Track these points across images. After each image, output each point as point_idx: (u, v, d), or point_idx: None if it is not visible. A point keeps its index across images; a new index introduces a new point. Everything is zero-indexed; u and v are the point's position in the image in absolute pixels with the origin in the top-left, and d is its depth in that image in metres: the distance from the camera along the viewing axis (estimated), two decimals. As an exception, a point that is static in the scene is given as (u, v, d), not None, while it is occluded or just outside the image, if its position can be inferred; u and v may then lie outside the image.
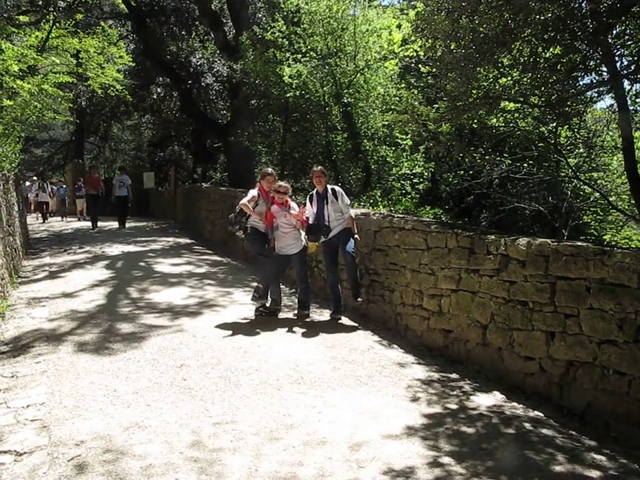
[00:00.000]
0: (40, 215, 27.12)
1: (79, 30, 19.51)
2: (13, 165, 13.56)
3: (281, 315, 9.06)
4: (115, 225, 22.25)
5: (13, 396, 5.56)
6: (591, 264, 5.31)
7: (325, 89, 13.47)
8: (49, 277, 11.73)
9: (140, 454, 4.42)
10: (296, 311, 9.20)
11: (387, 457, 4.53)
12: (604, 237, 10.06)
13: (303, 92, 13.55)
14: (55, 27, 18.23)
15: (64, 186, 28.91)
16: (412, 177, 12.34)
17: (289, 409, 5.43)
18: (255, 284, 9.34)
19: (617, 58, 6.69)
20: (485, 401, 5.85)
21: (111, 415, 5.13)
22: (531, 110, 8.30)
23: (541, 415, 5.53)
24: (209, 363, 6.64)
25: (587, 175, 9.40)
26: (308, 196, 9.19)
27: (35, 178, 29.27)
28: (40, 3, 19.73)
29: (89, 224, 22.41)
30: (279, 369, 6.49)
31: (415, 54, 10.89)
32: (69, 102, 18.99)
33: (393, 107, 13.09)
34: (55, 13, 18.61)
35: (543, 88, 7.33)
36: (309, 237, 8.85)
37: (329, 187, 8.90)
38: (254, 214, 8.65)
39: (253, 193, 8.86)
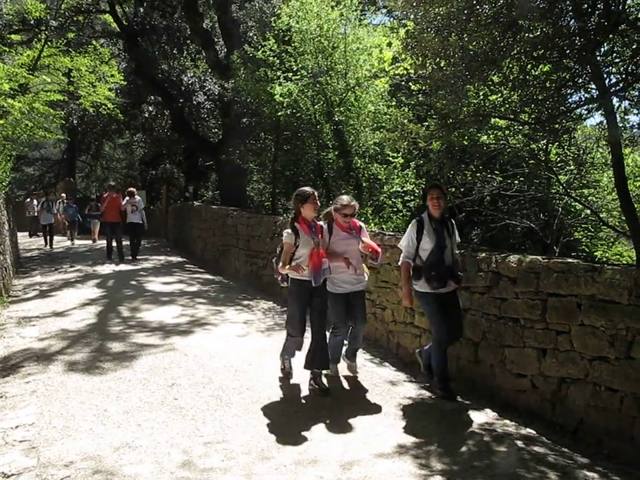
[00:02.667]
0: (46, 237, 23.13)
1: (70, 49, 19.60)
2: (4, 183, 13.54)
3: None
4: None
5: (1, 416, 5.53)
6: (581, 280, 5.32)
7: (316, 107, 13.50)
8: (39, 295, 11.70)
9: (130, 474, 4.39)
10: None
11: (379, 476, 4.50)
12: (595, 254, 10.07)
13: (294, 110, 13.57)
14: (46, 46, 18.31)
15: (73, 205, 24.77)
16: (403, 194, 12.36)
17: (280, 428, 5.40)
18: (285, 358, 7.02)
19: (605, 75, 6.73)
20: (476, 418, 5.83)
21: (101, 435, 5.10)
22: (521, 127, 8.33)
23: (533, 432, 5.52)
24: (200, 382, 6.61)
25: (577, 191, 9.43)
26: (414, 221, 6.57)
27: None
28: (32, 22, 19.78)
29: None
30: (270, 388, 6.48)
31: (405, 72, 10.93)
32: (60, 120, 18.98)
33: (383, 124, 13.12)
34: (46, 32, 18.68)
35: (532, 105, 7.37)
36: (430, 283, 6.29)
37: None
38: (288, 270, 6.54)
39: (287, 234, 6.48)
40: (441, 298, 6.33)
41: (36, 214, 24.63)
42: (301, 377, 6.79)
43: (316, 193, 6.58)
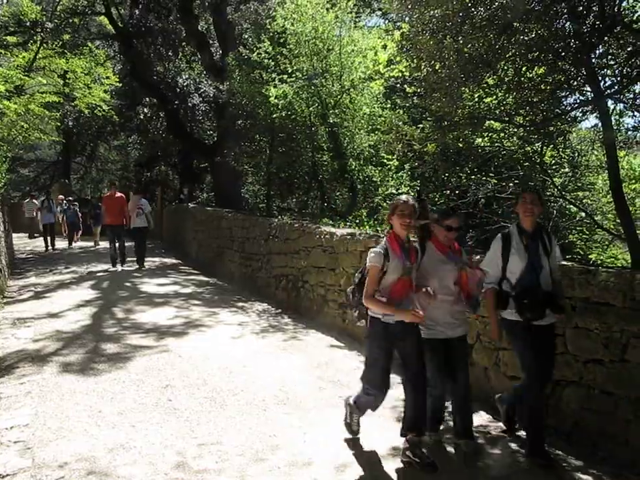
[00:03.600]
0: (46, 239, 21.30)
1: (66, 50, 19.56)
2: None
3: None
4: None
5: (-5, 417, 5.52)
6: (576, 283, 5.33)
7: (311, 109, 13.50)
8: (34, 297, 11.69)
9: (124, 475, 4.39)
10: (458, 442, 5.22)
11: (373, 477, 4.50)
12: (590, 256, 10.08)
13: (289, 112, 13.57)
14: (42, 48, 18.31)
15: (74, 205, 23.34)
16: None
17: (274, 429, 5.41)
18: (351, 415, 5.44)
19: (600, 77, 6.74)
20: (471, 420, 5.83)
21: (96, 436, 5.10)
22: (516, 130, 8.35)
23: (528, 434, 5.52)
24: (194, 383, 6.60)
25: (572, 194, 9.44)
26: (499, 237, 5.25)
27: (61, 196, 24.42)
28: (27, 23, 19.76)
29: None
30: (264, 390, 6.47)
31: (400, 74, 10.95)
32: (55, 122, 18.96)
33: (378, 127, 13.13)
34: (42, 34, 18.66)
35: (527, 107, 7.39)
36: (523, 314, 4.95)
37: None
38: (379, 308, 4.76)
39: (374, 255, 4.80)
40: (534, 330, 4.97)
41: (34, 214, 24.20)
42: (295, 380, 6.80)
43: (410, 202, 4.87)
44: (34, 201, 24.96)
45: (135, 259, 16.69)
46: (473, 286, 5.17)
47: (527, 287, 5.01)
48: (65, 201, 23.62)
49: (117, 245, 16.05)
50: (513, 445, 5.26)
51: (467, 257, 5.44)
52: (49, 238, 21.32)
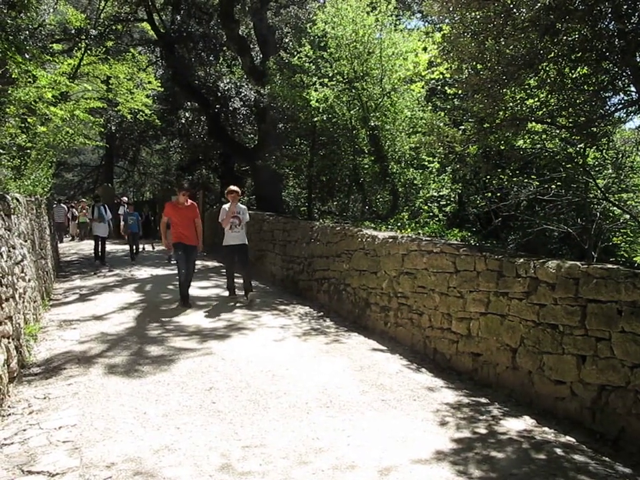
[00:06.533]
0: (97, 251, 18.21)
1: (109, 57, 19.90)
2: (45, 189, 13.76)
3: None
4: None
5: (45, 417, 5.61)
6: (622, 287, 5.26)
7: (351, 112, 13.50)
8: (79, 299, 11.87)
9: (170, 477, 4.43)
10: None
11: (417, 481, 4.50)
12: (635, 259, 9.92)
13: (329, 116, 13.59)
14: (86, 55, 18.65)
15: (135, 213, 20.15)
16: (439, 199, 12.30)
17: (317, 432, 5.41)
18: None
19: (645, 78, 6.65)
20: (515, 425, 5.78)
21: (141, 438, 5.15)
22: (558, 131, 8.26)
23: (573, 440, 5.44)
24: (237, 386, 6.64)
25: (616, 196, 9.30)
26: None
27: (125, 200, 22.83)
28: (72, 31, 20.16)
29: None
30: (307, 393, 6.48)
31: (441, 76, 10.94)
32: (99, 127, 19.26)
33: (419, 129, 13.08)
34: (86, 41, 18.99)
35: (570, 109, 7.31)
36: None
37: None
38: None
39: None
40: None
41: (61, 220, 24.53)
42: (337, 383, 6.81)
43: None
44: (62, 205, 25.34)
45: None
46: None
47: None
48: (126, 204, 21.84)
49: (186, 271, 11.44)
50: (559, 451, 5.20)
51: None
52: (99, 247, 18.32)
